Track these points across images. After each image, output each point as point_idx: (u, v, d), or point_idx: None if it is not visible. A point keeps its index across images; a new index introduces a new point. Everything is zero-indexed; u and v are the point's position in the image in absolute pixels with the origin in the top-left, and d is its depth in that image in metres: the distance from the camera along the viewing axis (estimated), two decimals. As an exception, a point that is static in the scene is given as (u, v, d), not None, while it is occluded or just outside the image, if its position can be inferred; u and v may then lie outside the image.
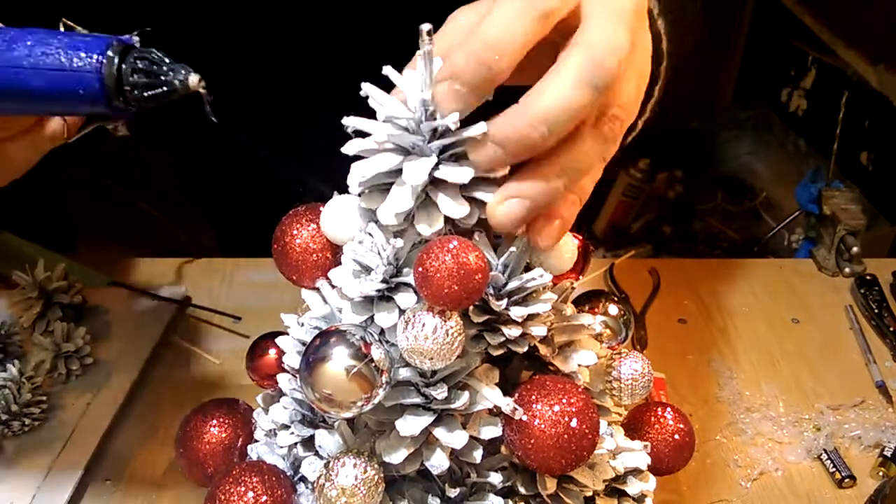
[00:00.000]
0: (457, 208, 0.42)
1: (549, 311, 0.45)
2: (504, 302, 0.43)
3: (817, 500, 0.66)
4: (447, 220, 0.43)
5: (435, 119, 0.40)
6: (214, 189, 1.03)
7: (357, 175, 0.42)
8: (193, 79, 0.41)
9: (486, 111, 0.41)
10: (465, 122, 0.41)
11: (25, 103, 0.45)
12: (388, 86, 0.43)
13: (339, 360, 0.40)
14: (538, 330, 0.44)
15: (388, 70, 0.42)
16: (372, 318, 0.44)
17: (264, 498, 0.45)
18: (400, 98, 0.42)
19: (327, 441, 0.47)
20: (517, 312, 0.43)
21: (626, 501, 0.51)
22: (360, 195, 0.44)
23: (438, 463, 0.44)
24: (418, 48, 0.39)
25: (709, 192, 1.77)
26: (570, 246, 0.47)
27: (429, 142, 0.41)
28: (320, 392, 0.40)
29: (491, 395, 0.44)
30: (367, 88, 0.42)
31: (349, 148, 0.43)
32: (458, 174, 0.41)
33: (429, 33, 0.39)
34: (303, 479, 0.49)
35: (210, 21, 0.80)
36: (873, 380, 0.77)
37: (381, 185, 0.43)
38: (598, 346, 0.50)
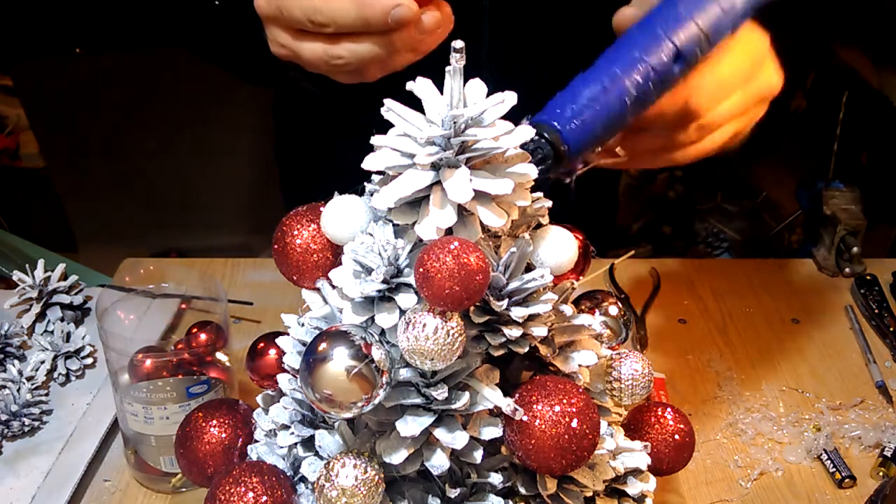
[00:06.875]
0: (496, 219, 0.42)
1: (549, 312, 0.45)
2: (505, 302, 0.43)
3: (817, 500, 0.66)
4: (484, 228, 0.43)
5: (464, 133, 0.41)
6: None
7: (392, 196, 0.42)
8: None
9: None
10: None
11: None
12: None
13: (339, 361, 0.40)
14: (539, 330, 0.44)
15: (411, 85, 0.43)
16: (372, 318, 0.44)
17: (264, 498, 0.45)
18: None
19: (327, 441, 0.47)
20: (518, 313, 0.43)
21: (627, 502, 0.51)
22: (389, 210, 0.44)
23: (439, 463, 0.44)
24: None
25: (709, 192, 1.77)
26: (570, 246, 0.47)
27: (457, 154, 0.41)
28: (320, 392, 0.40)
29: (491, 396, 0.44)
30: (388, 103, 0.43)
31: (369, 164, 0.43)
32: (500, 186, 0.41)
33: (459, 50, 0.40)
34: (303, 479, 0.49)
35: None
36: (873, 380, 0.78)
37: (412, 201, 0.43)
38: (599, 347, 0.50)
